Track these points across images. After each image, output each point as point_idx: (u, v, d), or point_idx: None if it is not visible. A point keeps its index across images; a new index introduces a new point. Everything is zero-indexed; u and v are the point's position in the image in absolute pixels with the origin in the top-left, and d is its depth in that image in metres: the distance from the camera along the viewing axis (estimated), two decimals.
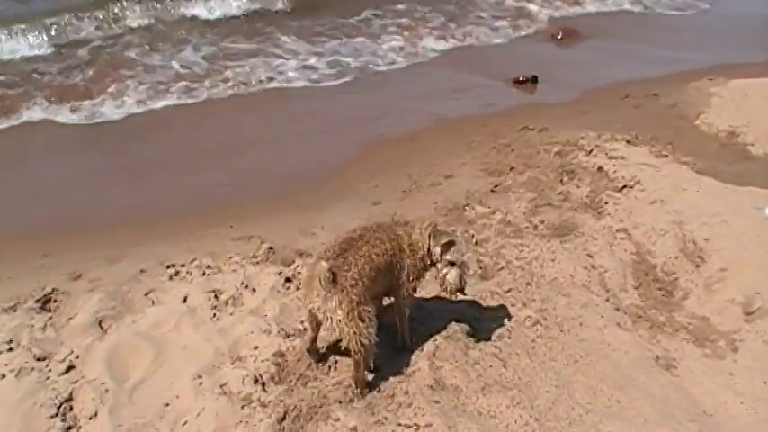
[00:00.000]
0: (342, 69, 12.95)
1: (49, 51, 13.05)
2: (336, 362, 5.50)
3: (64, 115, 10.73)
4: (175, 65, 12.68)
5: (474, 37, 15.07)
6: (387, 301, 5.63)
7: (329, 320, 4.97)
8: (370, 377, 5.33)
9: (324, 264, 4.82)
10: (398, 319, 5.66)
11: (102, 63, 12.52)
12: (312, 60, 13.27)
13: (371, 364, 5.34)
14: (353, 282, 4.93)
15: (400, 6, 16.41)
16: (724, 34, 15.61)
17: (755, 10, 17.10)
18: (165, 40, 13.80)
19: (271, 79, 12.38)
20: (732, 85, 11.25)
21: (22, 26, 13.30)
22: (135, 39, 13.81)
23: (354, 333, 4.92)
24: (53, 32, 13.58)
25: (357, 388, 5.23)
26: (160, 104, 11.25)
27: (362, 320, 4.95)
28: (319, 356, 5.58)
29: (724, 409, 5.49)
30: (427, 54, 14.01)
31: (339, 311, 4.89)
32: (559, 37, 15.22)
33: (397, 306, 5.61)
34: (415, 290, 5.61)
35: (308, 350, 5.54)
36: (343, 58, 13.47)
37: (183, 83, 11.93)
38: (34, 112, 10.73)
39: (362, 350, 5.01)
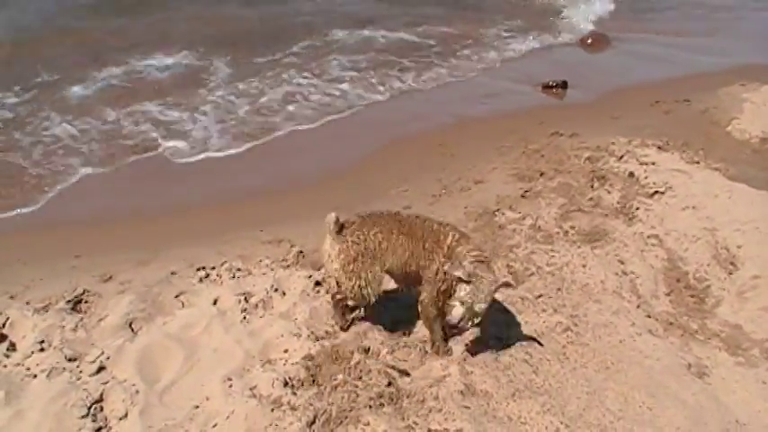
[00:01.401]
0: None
1: None
2: (369, 368, 5.47)
3: None
4: None
5: (504, 43, 15.06)
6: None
7: (331, 267, 5.59)
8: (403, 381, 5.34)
9: (332, 214, 5.47)
10: (424, 320, 5.70)
11: None
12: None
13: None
14: (357, 240, 5.44)
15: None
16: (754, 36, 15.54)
17: None
18: None
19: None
20: (764, 90, 11.19)
21: None
22: None
23: (351, 286, 5.56)
24: None
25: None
26: None
27: (359, 277, 5.47)
28: (344, 319, 5.93)
29: (758, 419, 5.44)
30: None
31: (337, 262, 5.54)
32: (589, 42, 15.16)
33: (422, 305, 5.62)
34: (441, 305, 5.53)
35: (335, 306, 5.91)
36: None
37: None
38: None
39: (361, 301, 5.62)
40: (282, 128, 10.58)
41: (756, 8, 17.60)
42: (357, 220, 5.62)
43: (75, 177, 9.03)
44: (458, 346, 5.73)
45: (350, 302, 5.81)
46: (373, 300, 5.69)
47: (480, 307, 5.15)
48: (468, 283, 5.11)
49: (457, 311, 5.18)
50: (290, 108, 11.28)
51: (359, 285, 5.55)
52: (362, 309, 5.97)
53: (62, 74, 11.77)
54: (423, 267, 5.49)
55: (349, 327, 5.95)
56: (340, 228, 5.50)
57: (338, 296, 5.79)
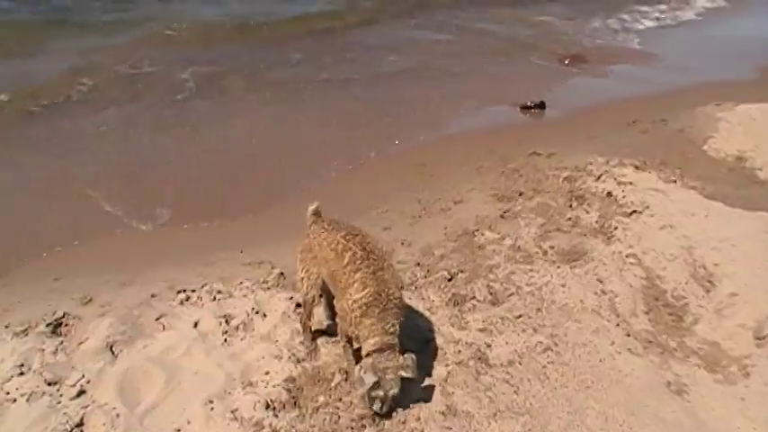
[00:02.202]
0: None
1: None
2: (349, 390, 5.48)
3: None
4: None
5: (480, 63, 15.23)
6: None
7: None
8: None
9: (315, 203, 5.94)
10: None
11: None
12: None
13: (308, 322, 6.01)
14: (312, 233, 5.77)
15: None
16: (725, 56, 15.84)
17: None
18: None
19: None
20: (739, 110, 11.32)
21: None
22: None
23: (298, 274, 5.90)
24: None
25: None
26: None
27: (302, 269, 5.80)
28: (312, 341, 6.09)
29: None
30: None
31: (299, 246, 5.87)
32: (566, 63, 15.33)
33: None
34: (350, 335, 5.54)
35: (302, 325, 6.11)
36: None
37: None
38: None
39: (302, 294, 5.88)
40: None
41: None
42: (328, 219, 5.86)
43: None
44: (439, 366, 5.74)
45: (299, 297, 6.11)
46: (309, 297, 5.82)
47: (394, 392, 5.17)
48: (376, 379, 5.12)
49: (360, 391, 5.21)
50: None
51: (301, 276, 5.83)
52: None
53: None
54: (336, 292, 5.58)
55: (314, 351, 5.97)
56: (316, 217, 5.88)
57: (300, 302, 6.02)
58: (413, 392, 5.45)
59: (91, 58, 14.15)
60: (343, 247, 5.45)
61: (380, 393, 5.09)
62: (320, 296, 5.98)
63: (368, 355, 5.17)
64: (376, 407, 5.15)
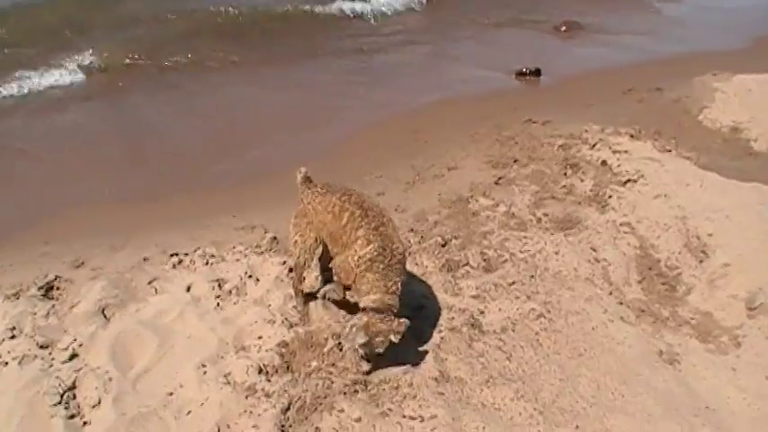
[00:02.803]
0: None
1: None
2: (341, 356, 5.49)
3: None
4: None
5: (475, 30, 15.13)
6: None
7: None
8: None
9: (303, 168, 5.84)
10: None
11: None
12: None
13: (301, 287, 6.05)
14: (305, 199, 5.69)
15: None
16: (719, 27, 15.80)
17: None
18: None
19: None
20: (735, 80, 11.24)
21: None
22: None
23: (290, 239, 5.82)
24: None
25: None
26: None
27: (296, 233, 5.76)
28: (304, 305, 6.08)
29: (727, 405, 5.49)
30: None
31: (294, 211, 5.80)
32: (563, 30, 15.22)
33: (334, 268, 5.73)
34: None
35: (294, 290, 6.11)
36: None
37: None
38: None
39: (294, 258, 5.85)
40: None
41: None
42: (320, 184, 5.76)
43: None
44: (433, 332, 5.75)
45: (291, 261, 6.05)
46: (301, 260, 5.82)
47: (378, 351, 5.26)
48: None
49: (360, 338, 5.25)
50: None
51: (294, 240, 5.77)
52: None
53: None
54: (338, 251, 5.59)
55: (306, 315, 5.98)
56: (307, 182, 5.79)
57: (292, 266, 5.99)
58: (406, 358, 5.46)
59: None
60: (339, 208, 5.44)
61: (366, 350, 5.20)
62: (312, 261, 5.95)
63: (364, 310, 5.21)
64: (356, 356, 5.31)
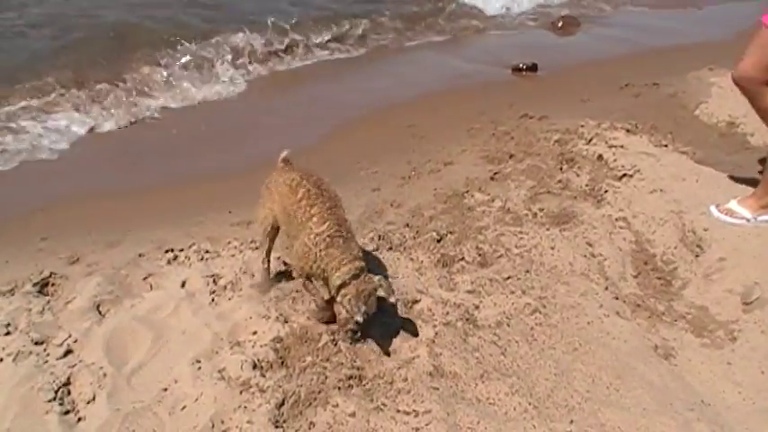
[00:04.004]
0: None
1: None
2: (336, 351, 5.48)
3: None
4: None
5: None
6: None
7: None
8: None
9: (284, 152, 5.99)
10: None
11: None
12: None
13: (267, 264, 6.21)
14: (270, 180, 5.86)
15: None
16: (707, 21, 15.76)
17: None
18: None
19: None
20: None
21: None
22: None
23: (258, 209, 6.02)
24: None
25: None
26: None
27: (259, 211, 5.95)
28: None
29: (722, 399, 5.48)
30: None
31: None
32: (559, 25, 15.22)
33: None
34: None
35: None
36: None
37: None
38: None
39: (257, 223, 6.12)
40: None
41: None
42: (295, 168, 5.87)
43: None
44: (427, 327, 5.75)
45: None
46: (260, 236, 6.12)
47: (373, 311, 5.31)
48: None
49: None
50: None
51: (257, 216, 6.03)
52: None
53: None
54: (294, 234, 5.61)
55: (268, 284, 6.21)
56: (285, 164, 5.94)
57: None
58: (400, 353, 5.46)
59: None
60: (297, 183, 5.51)
61: (364, 317, 5.21)
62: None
63: (344, 284, 5.21)
64: (356, 326, 5.44)
